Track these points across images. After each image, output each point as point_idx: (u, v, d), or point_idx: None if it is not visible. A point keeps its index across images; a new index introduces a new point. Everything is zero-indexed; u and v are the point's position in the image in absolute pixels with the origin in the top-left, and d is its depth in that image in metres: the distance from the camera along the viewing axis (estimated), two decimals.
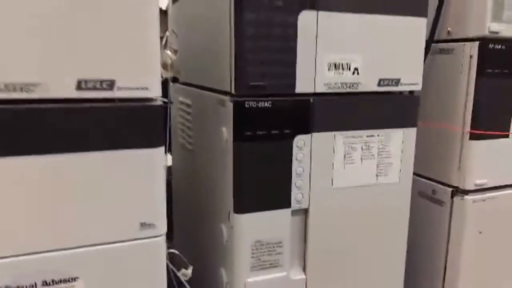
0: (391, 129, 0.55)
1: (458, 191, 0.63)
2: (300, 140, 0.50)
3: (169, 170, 0.82)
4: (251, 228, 0.50)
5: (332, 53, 0.49)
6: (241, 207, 0.50)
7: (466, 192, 0.62)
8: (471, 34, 0.58)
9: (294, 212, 0.52)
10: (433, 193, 0.67)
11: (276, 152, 0.49)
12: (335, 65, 0.50)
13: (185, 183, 0.72)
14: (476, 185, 0.62)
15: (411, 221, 0.69)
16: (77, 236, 0.40)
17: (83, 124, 0.38)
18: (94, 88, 0.38)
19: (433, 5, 0.61)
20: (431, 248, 0.68)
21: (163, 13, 0.57)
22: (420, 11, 0.53)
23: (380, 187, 0.56)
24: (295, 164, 0.51)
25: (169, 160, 0.84)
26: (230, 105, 0.47)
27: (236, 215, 0.50)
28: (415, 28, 0.54)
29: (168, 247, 0.46)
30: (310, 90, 0.49)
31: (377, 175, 0.56)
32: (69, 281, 0.40)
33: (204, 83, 0.58)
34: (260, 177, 0.49)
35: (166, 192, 0.44)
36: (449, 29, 0.61)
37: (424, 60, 0.64)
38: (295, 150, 0.50)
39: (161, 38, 0.45)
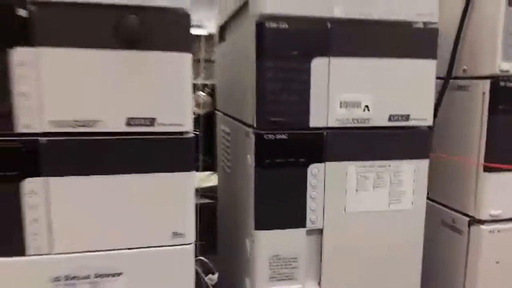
0: (402, 160, 0.61)
1: (474, 221, 0.66)
2: (314, 168, 0.57)
3: (213, 190, 0.92)
4: (269, 244, 0.58)
5: (343, 93, 0.56)
6: (260, 224, 0.58)
7: (482, 222, 0.65)
8: (483, 72, 0.63)
9: (309, 232, 0.59)
10: (453, 221, 0.70)
11: (292, 178, 0.57)
12: (346, 103, 0.57)
13: (225, 203, 0.81)
14: (491, 215, 0.65)
15: (433, 248, 0.73)
16: (123, 239, 0.50)
17: (132, 152, 0.49)
18: (140, 124, 0.48)
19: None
20: (451, 275, 0.71)
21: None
22: (429, 54, 0.59)
23: (393, 214, 0.62)
24: (309, 189, 0.58)
25: (214, 181, 0.94)
26: (252, 137, 0.56)
27: (256, 231, 0.58)
28: (424, 69, 0.59)
29: (197, 255, 0.55)
30: (323, 124, 0.56)
31: (389, 203, 0.61)
32: (114, 275, 0.50)
33: (237, 115, 0.67)
34: (277, 199, 0.57)
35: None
36: (464, 67, 0.66)
37: (443, 96, 0.69)
38: (309, 177, 0.57)
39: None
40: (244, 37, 0.59)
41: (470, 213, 0.67)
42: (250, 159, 0.58)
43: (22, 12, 0.44)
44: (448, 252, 0.71)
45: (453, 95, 0.69)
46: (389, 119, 0.59)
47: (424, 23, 0.59)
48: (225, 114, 0.78)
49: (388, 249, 0.62)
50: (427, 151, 0.62)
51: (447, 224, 0.71)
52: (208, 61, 0.86)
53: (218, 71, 0.84)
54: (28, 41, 0.44)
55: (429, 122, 0.61)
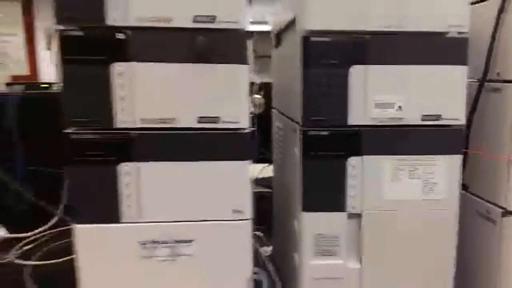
0: (435, 155, 0.68)
1: (506, 212, 0.72)
2: (353, 161, 0.67)
3: (270, 181, 1.03)
4: (314, 224, 0.68)
5: (378, 95, 0.65)
6: (307, 207, 0.68)
7: None
8: None
9: (349, 215, 0.69)
10: (487, 212, 0.76)
11: (333, 168, 0.67)
12: (380, 104, 0.65)
13: (278, 190, 0.92)
14: None
15: (470, 236, 0.79)
16: (195, 213, 0.63)
17: (201, 144, 0.61)
18: (207, 122, 0.61)
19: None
20: (485, 261, 0.77)
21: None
22: (460, 61, 0.66)
23: (426, 203, 0.69)
24: (349, 179, 0.67)
25: (270, 172, 1.05)
26: (299, 132, 0.66)
27: (303, 212, 0.68)
28: (456, 74, 0.66)
29: (253, 230, 0.66)
30: (359, 123, 0.66)
31: (423, 193, 0.69)
32: (188, 242, 0.63)
33: (287, 113, 0.78)
34: (321, 186, 0.67)
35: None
36: (498, 71, 0.72)
37: (478, 98, 0.75)
38: (348, 168, 0.67)
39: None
40: (293, 46, 0.70)
41: (503, 205, 0.72)
42: (297, 151, 0.68)
43: (120, 36, 0.57)
44: (483, 240, 0.77)
45: (488, 96, 0.74)
46: (422, 119, 0.67)
47: (456, 33, 0.66)
48: (279, 112, 0.89)
49: (423, 233, 0.70)
50: (460, 147, 0.69)
51: (482, 215, 0.77)
52: (266, 56, 0.97)
53: (273, 72, 0.95)
54: (125, 58, 0.58)
55: (461, 121, 0.68)
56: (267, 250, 0.70)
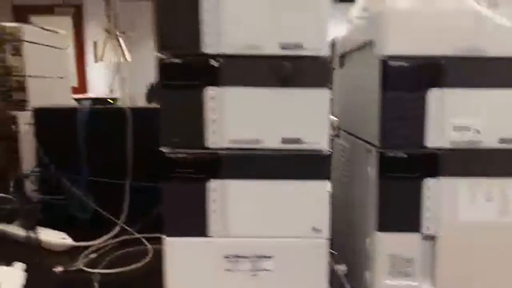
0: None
1: None
2: (429, 182, 0.68)
3: None
4: (388, 244, 0.70)
5: (455, 118, 0.67)
6: (381, 226, 0.70)
7: None
8: None
9: (424, 237, 0.70)
10: None
11: (409, 189, 0.68)
12: (458, 127, 0.67)
13: (339, 207, 0.94)
14: None
15: None
16: (276, 230, 0.66)
17: (284, 163, 0.65)
18: (290, 143, 0.64)
19: None
20: None
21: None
22: None
23: (504, 225, 0.69)
24: (425, 200, 0.68)
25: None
26: (375, 154, 0.69)
27: (377, 232, 0.70)
28: None
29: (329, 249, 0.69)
30: (436, 145, 0.67)
31: (500, 215, 0.69)
32: (268, 257, 0.66)
33: (357, 133, 0.80)
34: (396, 206, 0.69)
35: None
36: None
37: None
38: (424, 189, 0.68)
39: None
40: (367, 69, 0.72)
41: None
42: (371, 171, 0.70)
43: (214, 62, 0.62)
44: None
45: None
46: (500, 142, 0.67)
47: None
48: (345, 131, 0.92)
49: (500, 256, 0.69)
50: None
51: None
52: None
53: (337, 93, 0.98)
54: (217, 82, 0.63)
55: None
56: (342, 268, 0.72)
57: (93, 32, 4.81)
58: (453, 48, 0.65)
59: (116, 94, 3.80)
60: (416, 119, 0.66)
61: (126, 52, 3.49)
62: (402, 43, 0.65)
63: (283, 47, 0.62)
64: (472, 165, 0.68)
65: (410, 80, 0.66)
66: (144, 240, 1.19)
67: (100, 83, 4.85)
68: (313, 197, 0.66)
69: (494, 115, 0.67)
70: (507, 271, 0.70)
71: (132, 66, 3.63)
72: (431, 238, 0.70)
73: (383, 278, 0.71)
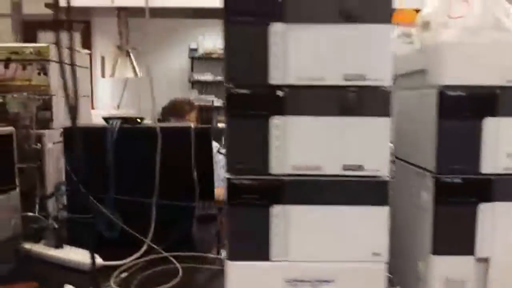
0: None
1: None
2: (484, 207, 0.70)
3: None
4: (442, 267, 0.71)
5: (509, 146, 0.69)
6: (436, 250, 0.71)
7: None
8: None
9: (478, 259, 0.72)
10: None
11: (464, 213, 0.70)
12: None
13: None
14: None
15: None
16: (337, 254, 0.68)
17: (345, 189, 0.67)
18: (352, 169, 0.66)
19: None
20: None
21: None
22: None
23: None
24: (479, 225, 0.70)
25: None
26: (431, 180, 0.71)
27: (432, 255, 0.72)
28: None
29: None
30: (490, 171, 0.69)
31: None
32: (329, 281, 0.68)
33: (407, 158, 0.82)
34: (451, 230, 0.70)
35: None
36: None
37: None
38: (479, 213, 0.70)
39: None
40: (420, 97, 0.75)
41: None
42: (426, 196, 0.72)
43: (279, 93, 0.65)
44: None
45: None
46: None
47: None
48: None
49: None
50: None
51: None
52: None
53: None
54: (282, 112, 0.65)
55: None
56: None
57: (101, 47, 4.86)
58: (506, 78, 0.68)
59: (123, 110, 3.82)
60: (471, 147, 0.69)
61: (136, 68, 3.52)
62: (458, 74, 0.68)
63: (347, 78, 0.65)
64: None
65: (466, 109, 0.68)
66: (172, 259, 1.20)
67: (106, 99, 4.88)
68: (373, 222, 0.67)
69: None
70: None
71: (141, 82, 3.66)
72: (485, 260, 0.72)
73: None
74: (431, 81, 0.71)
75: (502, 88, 0.68)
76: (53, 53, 1.60)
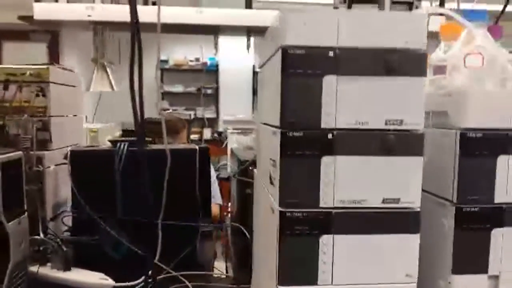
0: None
1: None
2: (498, 232, 0.81)
3: None
4: (461, 284, 0.82)
5: None
6: (456, 270, 0.82)
7: None
8: None
9: (489, 276, 0.83)
10: None
11: (479, 238, 0.81)
12: None
13: None
14: None
15: None
16: (374, 277, 0.76)
17: (384, 220, 0.76)
18: (390, 202, 0.75)
19: None
20: None
21: None
22: None
23: None
24: (492, 246, 0.82)
25: None
26: (452, 209, 0.81)
27: (453, 275, 0.82)
28: None
29: None
30: (503, 201, 0.81)
31: None
32: None
33: (426, 188, 0.93)
34: (469, 252, 0.81)
35: None
36: None
37: None
38: (493, 239, 0.81)
39: None
40: (442, 137, 0.85)
41: None
42: (447, 222, 0.83)
43: (330, 136, 0.73)
44: None
45: None
46: None
47: None
48: None
49: None
50: None
51: None
52: None
53: None
54: (331, 152, 0.73)
55: None
56: None
57: (69, 61, 4.75)
58: None
59: (98, 125, 3.77)
60: (487, 180, 0.80)
61: (113, 82, 3.50)
62: (476, 118, 0.79)
63: (387, 122, 0.74)
64: None
65: (483, 149, 0.79)
66: (182, 278, 1.25)
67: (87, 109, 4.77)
68: (407, 248, 0.77)
69: None
70: None
71: (117, 96, 3.64)
72: (496, 277, 0.83)
73: None
74: (452, 122, 0.82)
75: None
76: (53, 75, 1.61)
